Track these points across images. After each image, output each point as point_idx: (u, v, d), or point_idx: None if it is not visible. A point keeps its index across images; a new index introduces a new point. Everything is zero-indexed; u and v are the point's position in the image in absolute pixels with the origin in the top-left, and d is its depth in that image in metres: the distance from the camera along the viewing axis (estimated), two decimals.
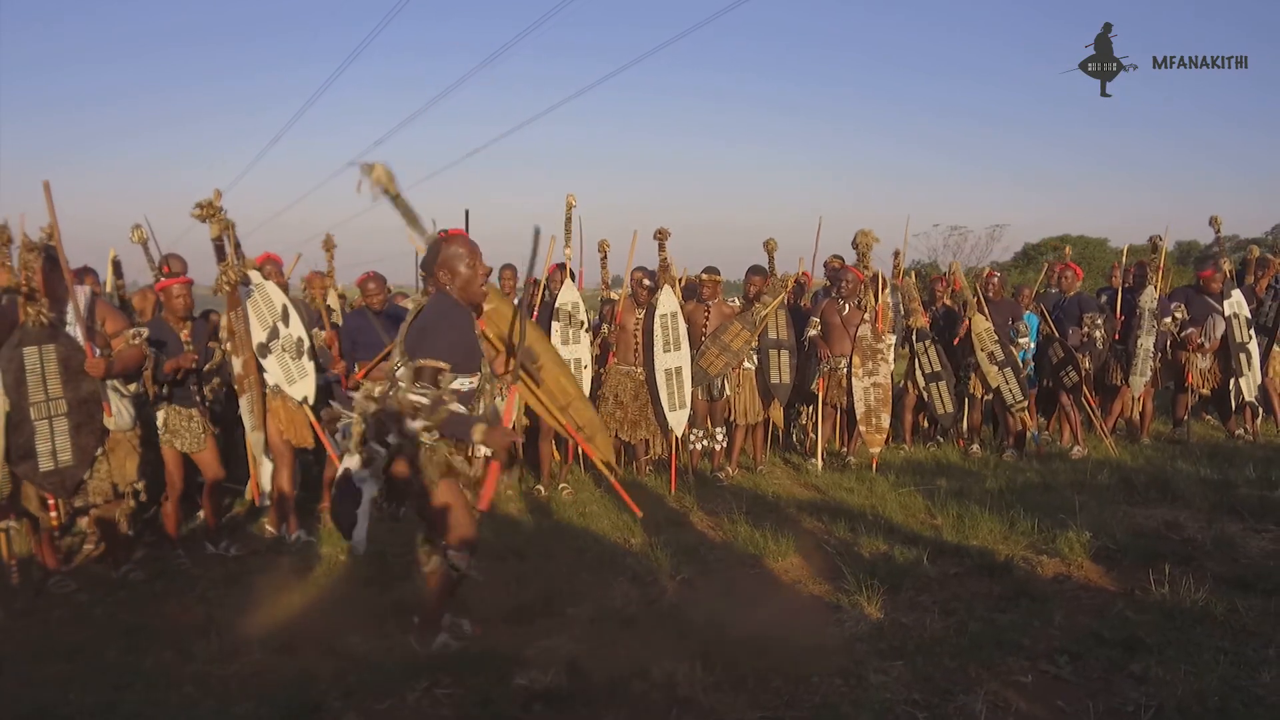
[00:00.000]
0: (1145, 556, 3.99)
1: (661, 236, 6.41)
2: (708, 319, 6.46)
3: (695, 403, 6.32)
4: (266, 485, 5.22)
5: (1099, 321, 7.12)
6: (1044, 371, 7.21)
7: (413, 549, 4.54)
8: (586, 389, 6.03)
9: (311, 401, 5.13)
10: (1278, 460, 6.10)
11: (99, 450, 4.11)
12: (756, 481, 6.30)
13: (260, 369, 4.98)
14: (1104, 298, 7.75)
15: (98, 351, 4.07)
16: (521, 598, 3.78)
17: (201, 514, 5.15)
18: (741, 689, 2.86)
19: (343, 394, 5.47)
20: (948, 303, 7.53)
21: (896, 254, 7.57)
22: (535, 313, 6.04)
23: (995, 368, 6.81)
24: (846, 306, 6.73)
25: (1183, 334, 7.32)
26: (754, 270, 6.60)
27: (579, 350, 5.98)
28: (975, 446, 7.20)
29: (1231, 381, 7.34)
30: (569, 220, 6.07)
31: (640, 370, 6.18)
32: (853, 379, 6.63)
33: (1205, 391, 7.58)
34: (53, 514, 4.09)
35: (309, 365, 5.11)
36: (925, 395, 7.11)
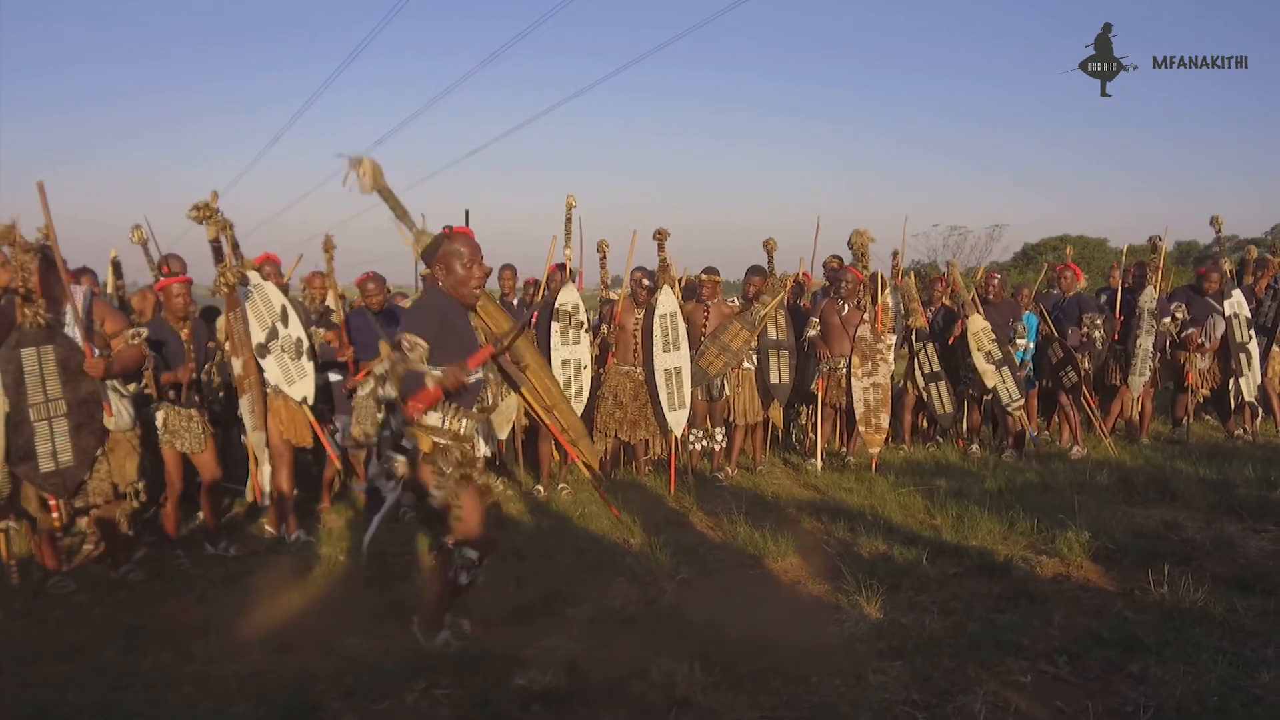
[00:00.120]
0: (1144, 557, 3.99)
1: (661, 237, 6.41)
2: (707, 319, 6.46)
3: (695, 403, 6.32)
4: (267, 485, 5.22)
5: (1098, 322, 7.12)
6: (1043, 372, 7.21)
7: (413, 549, 4.56)
8: (586, 389, 6.03)
9: (311, 402, 5.13)
10: (1277, 460, 6.11)
11: (99, 450, 4.11)
12: (756, 482, 6.30)
13: (260, 369, 4.98)
14: (1103, 298, 7.76)
15: (96, 352, 4.07)
16: (521, 598, 3.78)
17: (201, 514, 5.15)
18: (740, 689, 2.86)
19: (342, 394, 5.49)
20: (947, 303, 7.53)
21: (895, 254, 7.57)
22: (535, 313, 6.04)
23: (992, 367, 6.81)
24: (846, 307, 6.73)
25: (1183, 334, 7.32)
26: (753, 270, 6.60)
27: (578, 351, 5.98)
28: (974, 447, 7.21)
29: (1231, 381, 7.34)
30: (569, 221, 6.07)
31: (640, 370, 6.17)
32: (852, 379, 6.63)
33: (1205, 392, 7.58)
34: (54, 515, 4.08)
35: (308, 365, 5.11)
36: (925, 395, 7.12)
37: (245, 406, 4.94)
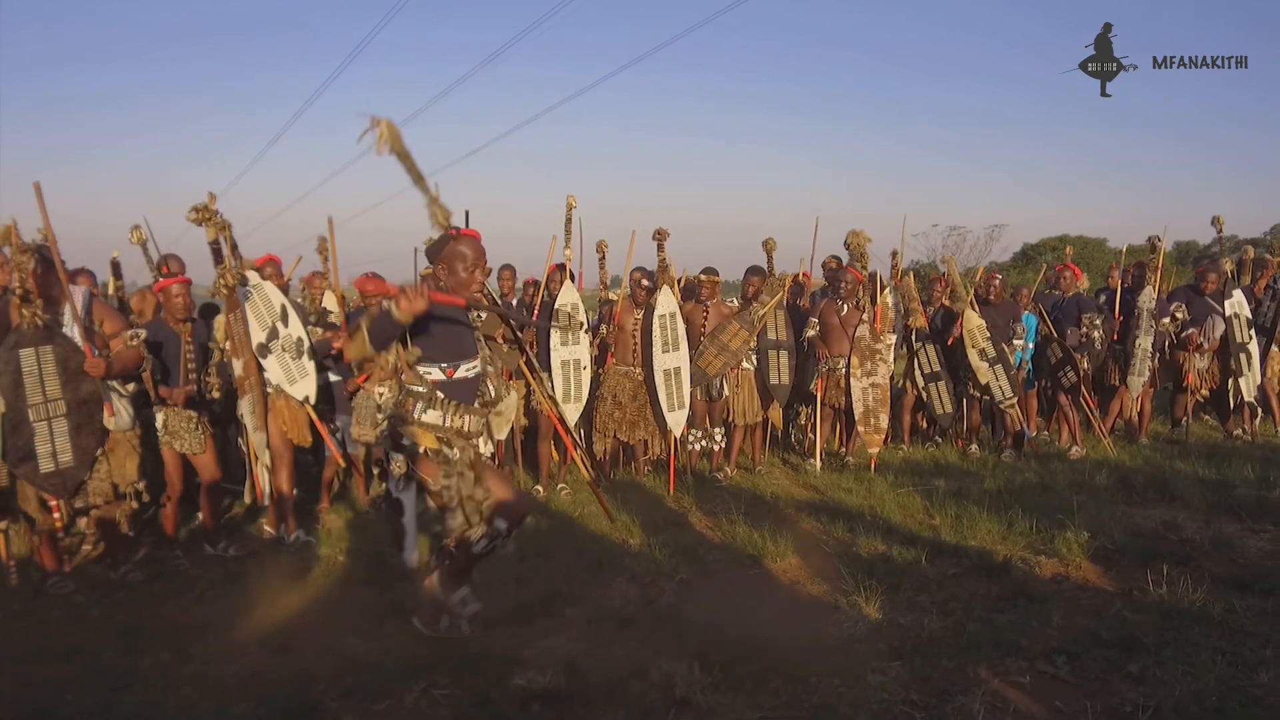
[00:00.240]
0: (1143, 557, 3.99)
1: (660, 237, 6.41)
2: (706, 319, 6.46)
3: (694, 403, 6.32)
4: (267, 486, 5.22)
5: (1097, 322, 7.12)
6: (1042, 372, 7.22)
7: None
8: (585, 389, 6.04)
9: (313, 401, 5.13)
10: (1276, 460, 6.11)
11: (99, 451, 4.11)
12: (755, 482, 6.30)
13: (261, 369, 4.98)
14: (1102, 298, 7.76)
15: (96, 352, 4.07)
16: (520, 598, 3.78)
17: (200, 515, 5.15)
18: (740, 689, 2.87)
19: (343, 395, 5.50)
20: (946, 303, 7.54)
21: (894, 254, 7.57)
22: (535, 313, 6.04)
23: (985, 364, 6.81)
24: (845, 307, 6.74)
25: (1183, 334, 7.33)
26: (753, 270, 6.61)
27: (578, 351, 5.98)
28: (974, 447, 7.21)
29: (1230, 381, 7.34)
30: (569, 221, 6.07)
31: (639, 370, 6.18)
32: (851, 379, 6.63)
33: (1204, 392, 7.59)
34: (55, 515, 4.08)
35: (309, 364, 5.11)
36: (924, 395, 7.12)
37: (246, 408, 4.94)
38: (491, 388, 3.31)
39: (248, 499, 5.25)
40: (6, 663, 3.33)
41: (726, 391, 6.49)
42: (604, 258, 6.63)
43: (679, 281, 6.77)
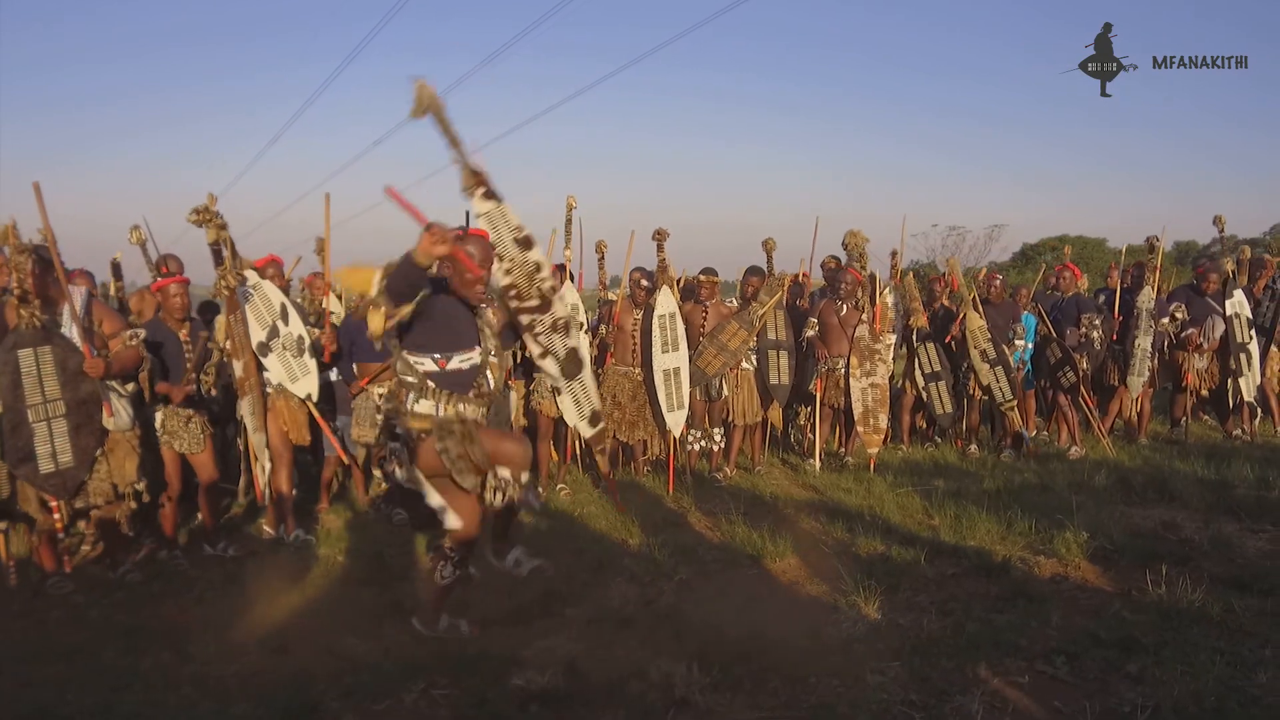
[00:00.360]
0: (1142, 557, 3.99)
1: (660, 237, 6.41)
2: (705, 319, 6.46)
3: (693, 403, 6.32)
4: (266, 486, 5.22)
5: (1096, 322, 7.12)
6: (1042, 372, 7.22)
7: (412, 549, 4.57)
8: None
9: (315, 399, 5.13)
10: (1275, 461, 6.10)
11: (99, 451, 4.11)
12: (754, 482, 6.30)
13: (261, 370, 4.98)
14: (1102, 298, 7.76)
15: (94, 352, 4.07)
16: (519, 598, 3.78)
17: (199, 515, 5.15)
18: (739, 689, 2.87)
19: (344, 396, 5.50)
20: (946, 303, 7.54)
21: (894, 254, 7.58)
22: None
23: (987, 365, 6.82)
24: (844, 307, 6.74)
25: (1182, 334, 7.33)
26: (752, 271, 6.61)
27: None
28: (973, 447, 7.21)
29: (1229, 381, 7.34)
30: (569, 221, 6.07)
31: (638, 371, 6.18)
32: (850, 379, 6.63)
33: (1204, 393, 7.59)
34: (55, 516, 4.08)
35: (310, 363, 5.11)
36: (924, 395, 7.12)
37: (246, 408, 4.94)
38: (490, 380, 3.31)
39: (242, 498, 5.25)
40: (6, 663, 3.33)
41: (726, 391, 6.49)
42: (603, 258, 6.64)
43: (678, 282, 6.77)
